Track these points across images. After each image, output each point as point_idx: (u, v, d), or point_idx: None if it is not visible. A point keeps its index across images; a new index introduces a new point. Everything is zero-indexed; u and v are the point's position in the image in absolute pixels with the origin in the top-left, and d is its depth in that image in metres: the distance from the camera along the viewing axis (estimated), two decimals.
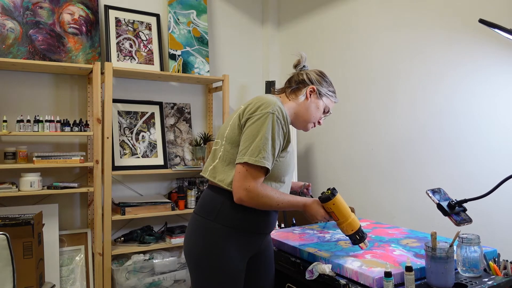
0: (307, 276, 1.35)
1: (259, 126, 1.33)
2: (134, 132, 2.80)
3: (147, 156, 2.79)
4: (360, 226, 1.40)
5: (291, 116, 1.51)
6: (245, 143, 1.33)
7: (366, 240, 1.40)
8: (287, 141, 1.40)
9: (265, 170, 1.34)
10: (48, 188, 2.39)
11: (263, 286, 1.53)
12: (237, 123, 1.40)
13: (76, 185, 2.48)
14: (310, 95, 1.51)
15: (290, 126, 1.45)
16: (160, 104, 2.92)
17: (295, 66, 1.61)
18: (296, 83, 1.54)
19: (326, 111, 1.56)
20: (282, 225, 2.61)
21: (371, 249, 1.48)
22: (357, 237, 1.39)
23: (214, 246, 1.35)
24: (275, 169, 1.38)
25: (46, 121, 2.37)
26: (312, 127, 1.57)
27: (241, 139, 1.36)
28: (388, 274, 1.15)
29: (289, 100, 1.52)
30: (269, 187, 1.37)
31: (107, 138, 2.48)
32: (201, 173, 1.51)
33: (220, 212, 1.37)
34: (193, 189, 2.81)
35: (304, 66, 1.60)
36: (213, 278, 1.35)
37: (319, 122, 1.57)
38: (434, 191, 1.41)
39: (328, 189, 1.40)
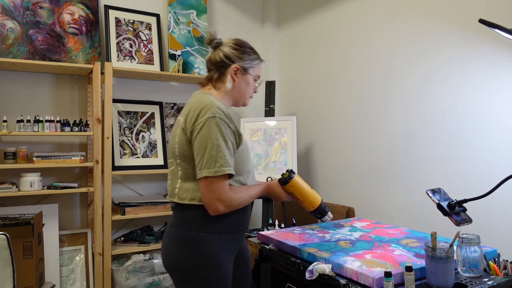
0: (307, 276, 1.35)
1: (206, 134, 1.30)
2: (134, 132, 2.80)
3: (147, 156, 2.79)
4: (321, 201, 1.49)
5: (228, 102, 1.49)
6: (199, 157, 1.31)
7: (329, 213, 1.52)
8: (238, 136, 1.38)
9: (228, 175, 1.32)
10: (48, 188, 2.39)
11: (247, 283, 1.56)
12: (184, 139, 1.36)
13: (76, 185, 2.48)
14: (236, 75, 1.46)
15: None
16: (160, 104, 2.92)
17: (209, 43, 1.51)
18: (217, 67, 1.47)
19: (256, 79, 1.53)
20: (282, 225, 2.61)
21: (371, 249, 1.48)
22: (319, 213, 1.50)
23: (205, 255, 1.34)
24: (237, 166, 1.37)
25: (46, 121, 2.37)
26: (251, 98, 1.56)
27: (194, 153, 1.33)
28: (388, 274, 1.15)
29: (219, 89, 1.48)
30: (237, 188, 1.38)
31: (107, 138, 2.48)
32: (168, 198, 1.45)
33: (201, 221, 1.35)
34: None
35: (217, 42, 1.50)
36: (208, 287, 1.34)
37: (255, 91, 1.56)
38: (434, 191, 1.41)
39: (287, 171, 1.47)
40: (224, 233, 1.38)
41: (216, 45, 1.50)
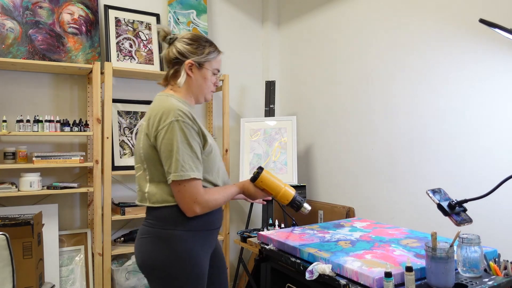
0: (307, 276, 1.35)
1: (170, 139, 1.30)
2: (134, 132, 2.79)
3: None
4: (295, 194, 1.51)
5: (190, 101, 1.48)
6: (167, 162, 1.31)
7: (305, 204, 1.53)
8: (203, 136, 1.38)
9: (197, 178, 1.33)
10: (48, 188, 2.39)
11: (224, 280, 1.58)
12: (148, 144, 1.36)
13: (76, 185, 2.48)
14: (191, 70, 1.44)
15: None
16: None
17: (163, 40, 1.48)
18: (172, 64, 1.46)
19: (215, 73, 1.50)
20: (282, 225, 2.61)
21: (371, 249, 1.47)
22: (295, 205, 1.52)
23: (181, 252, 1.34)
24: (205, 166, 1.38)
25: (46, 121, 2.37)
26: (213, 92, 1.54)
27: (161, 158, 1.33)
28: (388, 274, 1.15)
29: (178, 88, 1.45)
30: (212, 189, 1.39)
31: (107, 138, 2.47)
32: (138, 203, 1.44)
33: (176, 219, 1.36)
34: None
35: (171, 38, 1.47)
36: (186, 285, 1.35)
37: (215, 85, 1.53)
38: (434, 191, 1.41)
39: (257, 168, 1.51)
40: (199, 231, 1.39)
41: (170, 41, 1.47)
